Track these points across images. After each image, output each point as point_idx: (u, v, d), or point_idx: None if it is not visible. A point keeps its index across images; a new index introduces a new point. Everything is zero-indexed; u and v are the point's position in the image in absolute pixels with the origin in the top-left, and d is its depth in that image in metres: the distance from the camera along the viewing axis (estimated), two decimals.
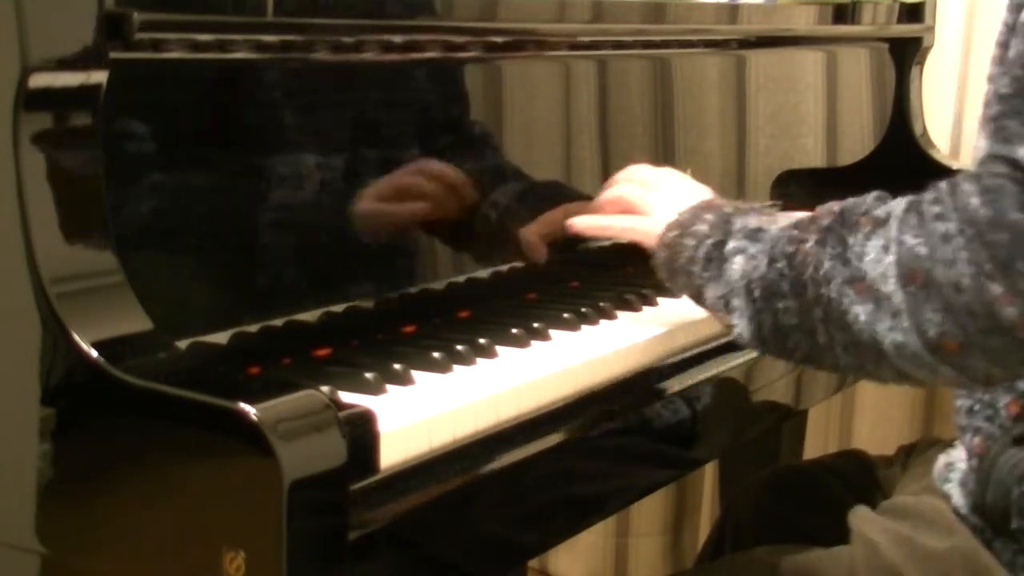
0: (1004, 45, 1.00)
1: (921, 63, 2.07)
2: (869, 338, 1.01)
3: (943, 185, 0.99)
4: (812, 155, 1.91)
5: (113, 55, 0.96)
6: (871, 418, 2.34)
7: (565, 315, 1.26)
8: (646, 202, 1.26)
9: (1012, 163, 0.95)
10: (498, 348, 1.16)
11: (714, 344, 1.33)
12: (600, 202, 1.32)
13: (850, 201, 1.08)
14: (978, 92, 2.34)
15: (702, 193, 1.24)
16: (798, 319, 1.05)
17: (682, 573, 1.91)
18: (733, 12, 1.68)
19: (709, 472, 2.41)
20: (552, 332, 1.23)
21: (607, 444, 1.16)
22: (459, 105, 1.34)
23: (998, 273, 0.93)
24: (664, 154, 1.60)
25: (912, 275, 0.97)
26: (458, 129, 1.34)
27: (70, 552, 0.95)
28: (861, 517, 1.22)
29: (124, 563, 0.92)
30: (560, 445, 1.09)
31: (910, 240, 0.98)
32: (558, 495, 1.12)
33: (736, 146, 1.74)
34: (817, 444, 2.28)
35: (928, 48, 2.08)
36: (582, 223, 1.31)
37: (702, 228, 1.16)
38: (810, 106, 1.90)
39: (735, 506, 1.56)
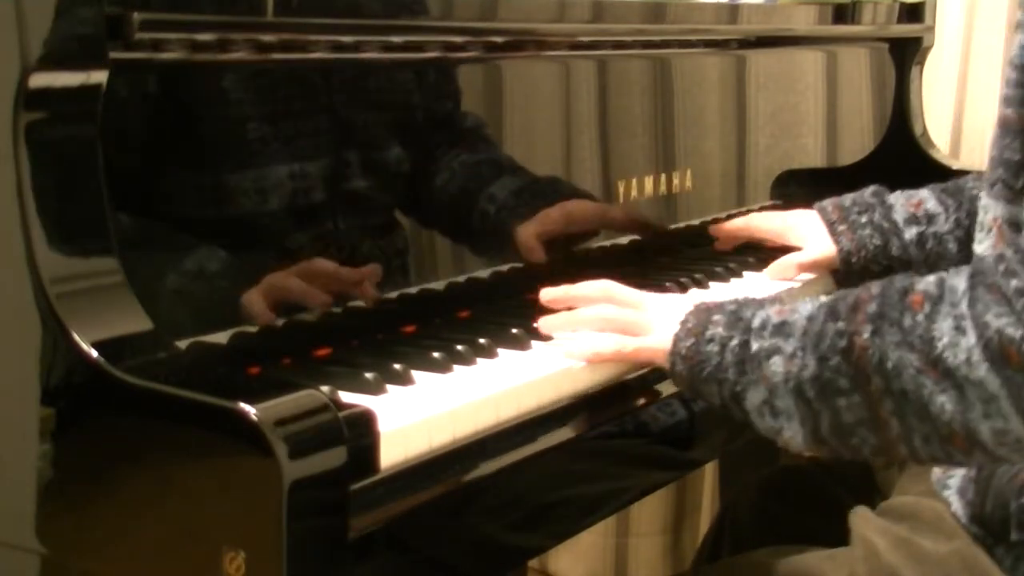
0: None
1: (921, 63, 2.07)
2: (961, 427, 0.95)
3: (1009, 254, 0.95)
4: (812, 155, 1.91)
5: (113, 55, 0.96)
6: None
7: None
8: (640, 320, 1.17)
9: None
10: (498, 348, 1.16)
11: None
12: (585, 319, 1.20)
13: (884, 282, 1.03)
14: (978, 92, 2.35)
15: (690, 298, 1.18)
16: (866, 413, 0.99)
17: (682, 574, 1.91)
18: (733, 12, 1.68)
19: (709, 472, 2.41)
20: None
21: (607, 444, 1.16)
22: (459, 105, 1.34)
23: None
24: (664, 154, 1.60)
25: (1007, 357, 0.92)
26: (458, 128, 1.34)
27: (70, 552, 0.95)
28: (861, 518, 1.22)
29: (124, 563, 0.92)
30: (560, 445, 1.09)
31: (994, 321, 0.92)
32: (558, 495, 1.12)
33: (736, 146, 1.74)
34: None
35: (928, 48, 2.08)
36: (579, 352, 1.16)
37: (717, 331, 1.09)
38: (810, 106, 1.90)
39: (734, 506, 1.56)
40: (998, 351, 0.92)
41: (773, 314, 1.06)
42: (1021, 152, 0.99)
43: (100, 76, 0.95)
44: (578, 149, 1.48)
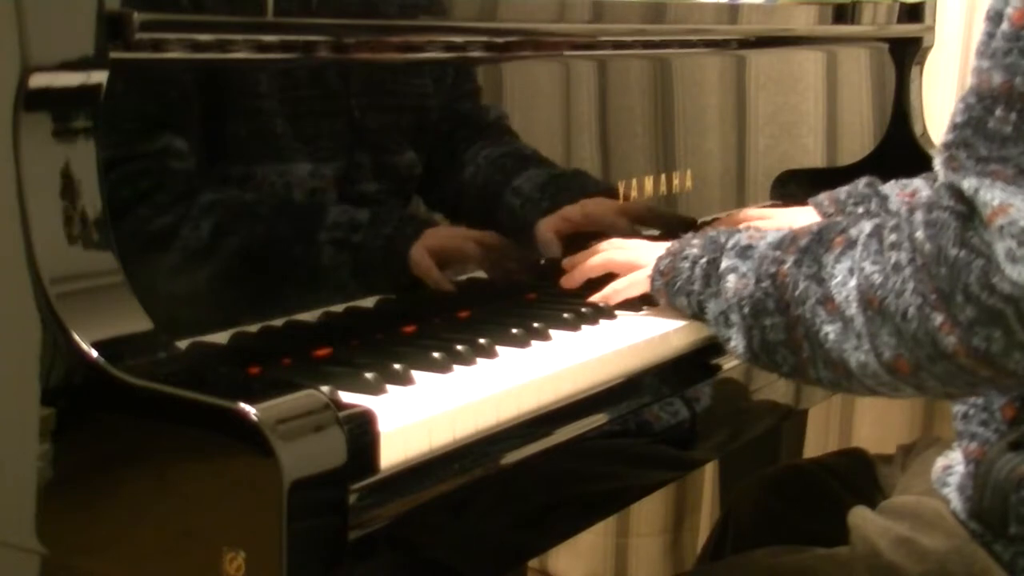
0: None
1: (921, 63, 2.07)
2: (838, 357, 1.06)
3: (903, 211, 1.04)
4: (812, 155, 1.91)
5: (113, 55, 0.96)
6: (871, 418, 2.34)
7: (565, 315, 1.26)
8: (637, 258, 1.32)
9: (958, 195, 0.98)
10: (498, 348, 1.16)
11: (714, 344, 1.33)
12: (589, 267, 1.36)
13: (828, 221, 1.14)
14: None
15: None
16: (784, 335, 1.11)
17: (683, 574, 1.91)
18: (733, 12, 1.68)
19: (709, 472, 2.41)
20: (552, 332, 1.23)
21: (607, 444, 1.16)
22: (458, 105, 1.34)
23: (940, 303, 0.98)
24: (664, 154, 1.60)
25: (870, 301, 1.03)
26: (458, 129, 1.34)
27: (70, 552, 0.95)
28: (861, 517, 1.22)
29: (124, 563, 0.92)
30: (560, 445, 1.09)
31: (868, 267, 1.03)
32: (558, 495, 1.12)
33: (736, 146, 1.74)
34: (817, 444, 2.28)
35: (928, 48, 2.08)
36: (600, 298, 1.33)
37: (693, 251, 1.23)
38: (810, 106, 1.90)
39: (736, 506, 1.56)
40: (865, 292, 1.03)
41: (744, 238, 1.20)
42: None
43: (100, 76, 0.95)
44: (578, 149, 1.48)
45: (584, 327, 1.26)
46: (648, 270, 1.28)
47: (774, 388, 1.42)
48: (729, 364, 1.31)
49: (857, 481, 1.43)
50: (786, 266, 1.11)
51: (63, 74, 0.94)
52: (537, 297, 1.38)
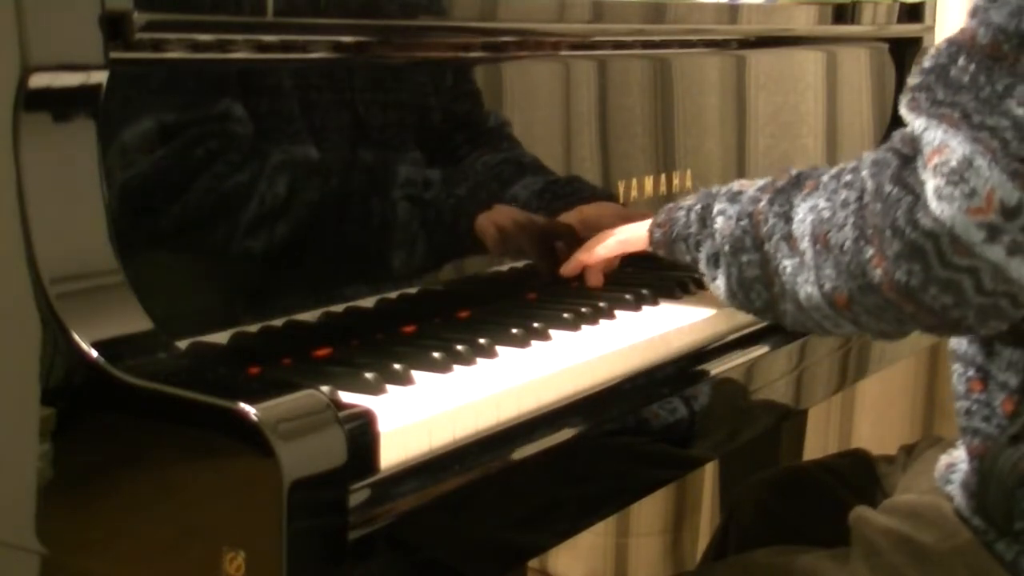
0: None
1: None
2: (791, 289, 1.13)
3: (864, 154, 1.10)
4: (812, 155, 1.91)
5: (113, 55, 0.96)
6: (871, 418, 2.34)
7: (565, 315, 1.26)
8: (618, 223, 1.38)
9: (908, 137, 1.04)
10: (498, 348, 1.16)
11: (714, 344, 1.33)
12: (602, 251, 1.40)
13: (809, 168, 1.18)
14: None
15: None
16: (759, 271, 1.17)
17: (684, 574, 1.91)
18: (733, 12, 1.68)
19: (709, 472, 2.41)
20: (552, 332, 1.23)
21: (607, 444, 1.16)
22: (458, 105, 1.34)
23: (874, 237, 1.03)
24: (664, 154, 1.60)
25: (818, 236, 1.09)
26: (458, 129, 1.34)
27: (70, 552, 0.95)
28: (862, 518, 1.22)
29: (124, 563, 0.92)
30: (560, 445, 1.09)
31: (821, 203, 1.10)
32: (558, 495, 1.12)
33: (736, 146, 1.74)
34: (817, 444, 2.28)
35: (928, 48, 2.07)
36: (578, 262, 1.40)
37: (688, 202, 1.29)
38: (810, 106, 1.90)
39: (737, 507, 1.56)
40: (816, 227, 1.09)
41: (736, 185, 1.26)
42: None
43: (100, 76, 0.95)
44: (578, 149, 1.48)
45: (584, 327, 1.26)
46: (640, 229, 1.34)
47: (774, 388, 1.42)
48: (729, 364, 1.31)
49: (858, 481, 1.43)
50: (761, 204, 1.17)
51: (63, 74, 0.94)
52: (537, 297, 1.38)
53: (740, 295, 1.21)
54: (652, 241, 1.33)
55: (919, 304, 1.03)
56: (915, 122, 1.03)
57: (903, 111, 1.05)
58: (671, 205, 1.32)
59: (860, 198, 1.06)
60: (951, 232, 0.98)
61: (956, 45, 1.02)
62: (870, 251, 1.04)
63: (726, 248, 1.20)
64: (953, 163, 0.98)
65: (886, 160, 1.05)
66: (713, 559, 1.54)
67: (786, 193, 1.16)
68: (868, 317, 1.09)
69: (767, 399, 1.42)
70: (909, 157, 1.03)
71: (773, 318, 1.20)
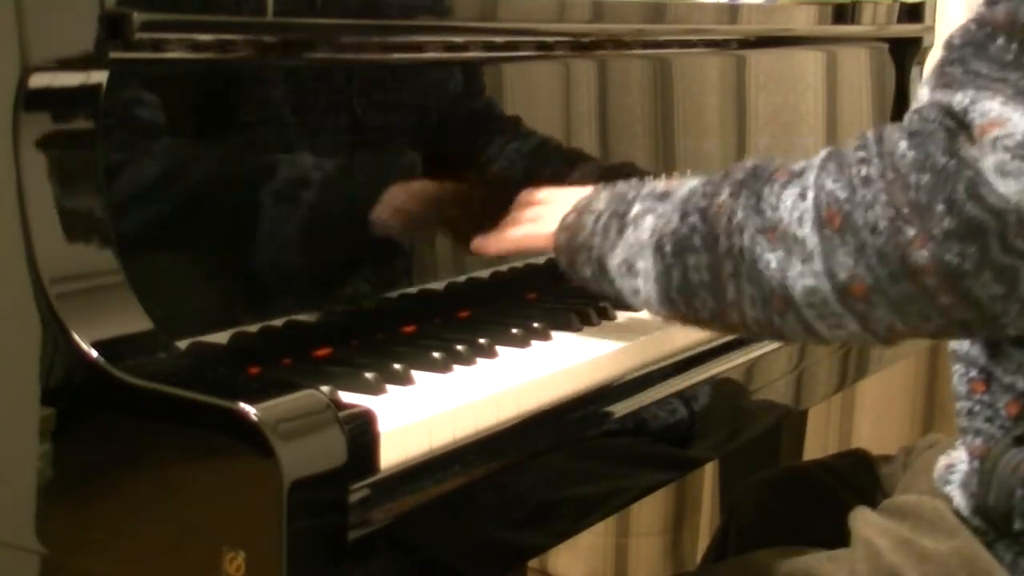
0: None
1: (921, 63, 2.07)
2: (779, 285, 1.01)
3: (869, 133, 1.01)
4: (812, 155, 1.91)
5: (113, 55, 0.96)
6: (871, 418, 2.34)
7: (565, 315, 1.26)
8: (546, 213, 1.24)
9: (946, 109, 0.96)
10: (498, 348, 1.16)
11: (713, 344, 1.33)
12: (508, 240, 1.28)
13: (763, 157, 1.08)
14: None
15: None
16: (708, 275, 1.05)
17: (683, 575, 1.91)
18: (733, 12, 1.68)
19: (709, 472, 2.41)
20: (552, 332, 1.23)
21: (607, 444, 1.16)
22: (458, 105, 1.34)
23: (915, 216, 0.94)
24: (664, 154, 1.60)
25: (829, 218, 0.98)
26: (457, 129, 1.34)
27: (70, 552, 0.95)
28: (862, 518, 1.22)
29: (124, 563, 0.92)
30: (560, 445, 1.09)
31: (829, 184, 0.99)
32: (558, 495, 1.12)
33: (736, 146, 1.74)
34: (817, 444, 2.28)
35: (928, 48, 2.08)
36: (479, 244, 1.28)
37: (599, 205, 1.16)
38: (810, 106, 1.90)
39: (736, 508, 1.56)
40: (824, 210, 0.98)
41: (660, 185, 1.13)
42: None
43: (100, 76, 0.95)
44: (578, 149, 1.48)
45: (585, 327, 1.26)
46: (549, 227, 1.21)
47: (774, 388, 1.42)
48: (729, 363, 1.31)
49: (858, 482, 1.43)
50: (720, 198, 1.05)
51: (63, 74, 0.94)
52: (537, 297, 1.38)
53: (680, 303, 1.08)
54: (556, 244, 1.19)
55: (963, 293, 0.94)
56: (956, 95, 0.95)
57: (928, 91, 0.99)
58: (582, 203, 1.19)
59: (885, 173, 0.96)
60: (1018, 210, 0.91)
61: (991, 25, 0.97)
62: (911, 231, 0.94)
63: (667, 248, 1.07)
64: (1019, 136, 0.91)
65: (930, 130, 0.96)
66: (713, 560, 1.54)
67: (748, 186, 1.04)
68: (885, 311, 0.98)
69: (767, 399, 1.42)
70: (954, 130, 0.95)
71: (718, 327, 1.10)
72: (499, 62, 1.37)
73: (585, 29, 1.45)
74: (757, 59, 1.76)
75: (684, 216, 1.07)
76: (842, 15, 1.91)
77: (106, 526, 0.93)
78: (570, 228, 1.17)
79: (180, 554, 0.89)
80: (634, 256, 1.10)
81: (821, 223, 0.98)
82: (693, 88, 1.66)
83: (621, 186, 1.18)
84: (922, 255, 0.94)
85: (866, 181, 0.97)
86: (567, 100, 1.46)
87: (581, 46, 1.46)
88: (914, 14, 2.05)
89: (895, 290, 0.96)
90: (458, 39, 1.29)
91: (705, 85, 1.68)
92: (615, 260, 1.12)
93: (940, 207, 0.93)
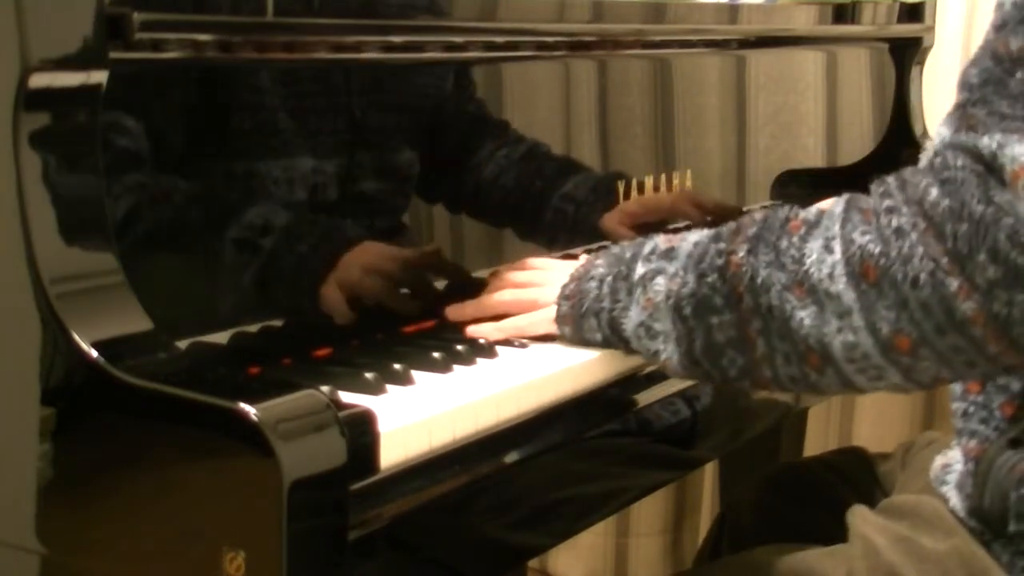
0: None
1: (921, 63, 2.07)
2: (816, 343, 0.99)
3: (890, 180, 0.99)
4: (812, 155, 1.91)
5: (113, 55, 0.96)
6: (871, 417, 2.34)
7: None
8: (539, 297, 1.19)
9: (973, 153, 0.94)
10: (498, 348, 1.16)
11: None
12: (491, 303, 1.22)
13: (769, 211, 1.06)
14: None
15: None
16: (735, 332, 1.03)
17: (682, 573, 1.91)
18: (733, 12, 1.68)
19: (709, 472, 2.41)
20: None
21: (607, 444, 1.16)
22: (458, 105, 1.34)
23: (955, 266, 0.93)
24: (664, 154, 1.60)
25: (864, 272, 0.96)
26: (457, 129, 1.34)
27: (70, 552, 0.95)
28: (859, 516, 1.22)
29: (124, 563, 0.92)
30: (560, 445, 1.09)
31: (858, 237, 0.97)
32: (558, 495, 1.12)
33: (736, 146, 1.74)
34: (817, 443, 2.28)
35: (928, 48, 2.08)
36: (454, 312, 1.22)
37: (599, 270, 1.14)
38: (810, 106, 1.90)
39: (734, 505, 1.56)
40: (858, 265, 0.96)
41: (661, 242, 1.11)
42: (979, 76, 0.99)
43: (100, 76, 0.95)
44: (578, 149, 1.48)
45: None
46: (552, 303, 1.17)
47: None
48: None
49: (856, 479, 1.43)
50: (738, 256, 1.03)
51: (63, 74, 0.94)
52: None
53: (706, 363, 1.06)
54: (559, 314, 1.16)
55: (1012, 341, 0.93)
56: (982, 139, 0.93)
57: (949, 132, 0.97)
58: (578, 272, 1.16)
59: (917, 224, 0.94)
60: None
61: (1008, 59, 0.95)
62: (954, 283, 0.92)
63: (686, 311, 1.05)
64: None
65: (961, 177, 0.93)
66: (709, 556, 1.54)
67: (764, 240, 1.02)
68: (931, 363, 0.97)
69: (767, 398, 1.42)
70: (983, 175, 0.93)
71: (748, 385, 1.07)
72: (499, 62, 1.37)
73: (585, 29, 1.45)
74: (757, 59, 1.76)
75: (701, 276, 1.04)
76: (842, 15, 1.91)
77: (106, 526, 0.93)
78: (572, 296, 1.15)
79: (180, 554, 0.89)
80: (651, 319, 1.08)
81: (856, 278, 0.96)
82: (693, 88, 1.66)
83: (615, 249, 1.16)
84: (968, 306, 0.93)
85: (899, 233, 0.95)
86: (567, 100, 1.46)
87: (581, 46, 1.46)
88: (914, 14, 2.05)
89: (942, 342, 0.95)
90: (457, 39, 1.29)
91: (705, 85, 1.68)
92: (630, 323, 1.10)
93: (982, 256, 0.92)
